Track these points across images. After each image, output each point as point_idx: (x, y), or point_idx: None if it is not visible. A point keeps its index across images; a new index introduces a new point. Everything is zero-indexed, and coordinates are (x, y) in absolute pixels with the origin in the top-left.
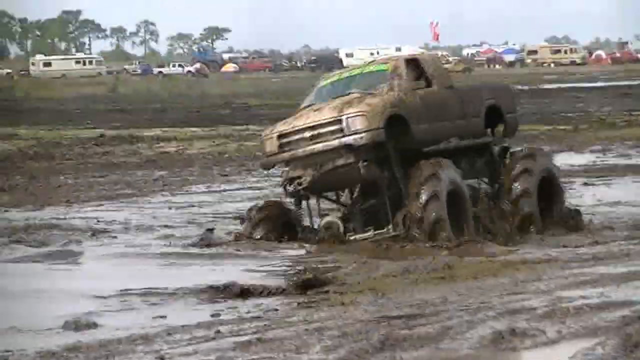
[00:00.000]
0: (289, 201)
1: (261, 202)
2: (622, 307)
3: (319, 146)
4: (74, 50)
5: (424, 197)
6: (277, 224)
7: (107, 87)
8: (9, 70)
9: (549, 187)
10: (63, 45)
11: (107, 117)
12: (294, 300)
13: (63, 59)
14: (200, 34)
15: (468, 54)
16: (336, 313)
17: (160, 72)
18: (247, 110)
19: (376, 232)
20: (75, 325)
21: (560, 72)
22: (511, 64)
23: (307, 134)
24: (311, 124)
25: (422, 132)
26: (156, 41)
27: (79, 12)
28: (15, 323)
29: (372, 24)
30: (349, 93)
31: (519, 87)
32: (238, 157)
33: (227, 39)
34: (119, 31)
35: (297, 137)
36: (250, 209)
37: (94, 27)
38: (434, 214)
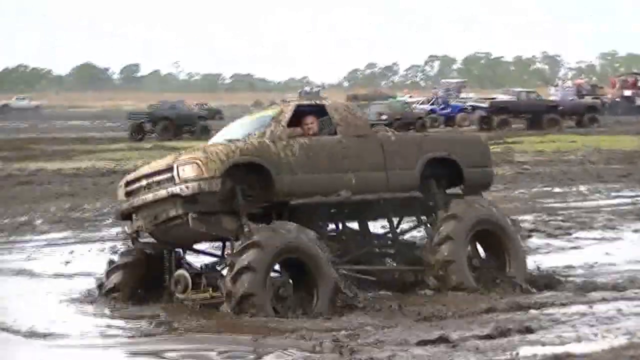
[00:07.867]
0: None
1: (126, 247)
2: None
3: (149, 196)
4: None
5: (235, 268)
6: (136, 273)
7: None
8: None
9: (497, 241)
10: None
11: None
12: None
13: None
14: None
15: None
16: None
17: None
18: None
19: (213, 294)
20: None
21: None
22: None
23: (144, 182)
24: (147, 172)
25: (292, 184)
26: None
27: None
28: None
29: None
30: (234, 138)
31: None
32: None
33: None
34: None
35: (136, 185)
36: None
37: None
38: (244, 287)
